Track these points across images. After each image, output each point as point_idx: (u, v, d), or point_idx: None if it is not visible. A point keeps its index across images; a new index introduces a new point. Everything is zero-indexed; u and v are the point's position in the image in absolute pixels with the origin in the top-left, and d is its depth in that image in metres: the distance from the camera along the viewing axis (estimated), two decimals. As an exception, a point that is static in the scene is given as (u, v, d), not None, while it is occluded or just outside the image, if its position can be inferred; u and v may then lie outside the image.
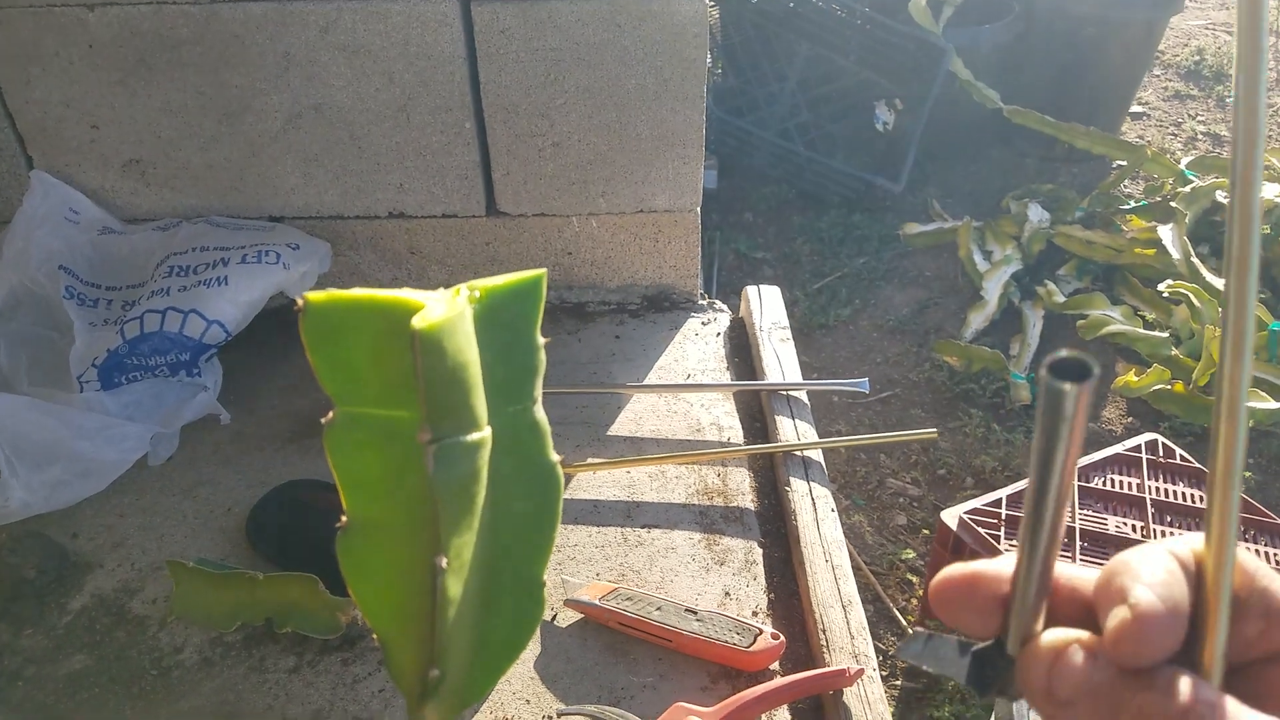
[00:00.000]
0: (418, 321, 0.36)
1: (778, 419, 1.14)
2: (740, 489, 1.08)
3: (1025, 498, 0.29)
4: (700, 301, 1.40)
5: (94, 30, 1.13)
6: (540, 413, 0.45)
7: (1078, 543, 1.53)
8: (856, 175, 2.84)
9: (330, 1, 1.12)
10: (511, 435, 0.43)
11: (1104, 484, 1.74)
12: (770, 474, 1.11)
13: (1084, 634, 0.29)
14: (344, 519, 0.43)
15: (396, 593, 0.44)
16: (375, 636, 0.44)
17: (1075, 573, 0.31)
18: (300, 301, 0.39)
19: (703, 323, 1.36)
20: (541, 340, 0.45)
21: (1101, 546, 1.51)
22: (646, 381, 1.24)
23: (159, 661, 0.92)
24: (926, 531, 1.87)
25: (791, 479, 1.05)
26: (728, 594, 0.95)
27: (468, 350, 0.39)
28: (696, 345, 1.32)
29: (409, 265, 1.33)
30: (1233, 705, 0.27)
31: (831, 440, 1.08)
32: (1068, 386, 0.27)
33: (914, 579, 1.77)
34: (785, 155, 2.91)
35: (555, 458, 0.46)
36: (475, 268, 1.34)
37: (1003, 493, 1.68)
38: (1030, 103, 2.87)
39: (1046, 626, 0.30)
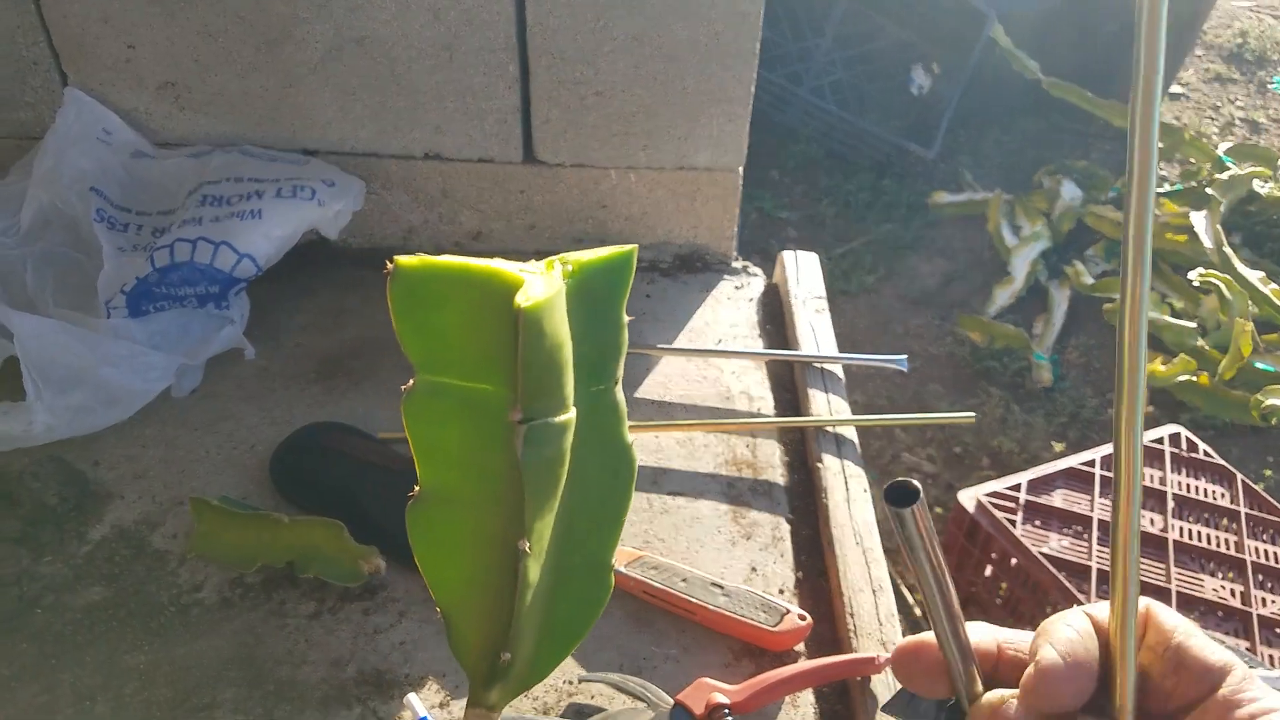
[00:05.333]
0: (522, 300, 0.34)
1: (810, 392, 1.12)
2: (770, 462, 1.06)
3: (924, 591, 0.34)
4: (734, 264, 1.38)
5: (134, -56, 1.09)
6: (620, 393, 0.43)
7: (1094, 534, 1.52)
8: (888, 139, 2.80)
9: (379, -70, 1.08)
10: (591, 415, 0.42)
11: (1122, 473, 1.72)
12: (801, 448, 1.09)
13: (1017, 691, 0.35)
14: (416, 489, 0.42)
15: (465, 568, 0.43)
16: (439, 610, 0.43)
17: (1019, 640, 0.37)
18: (390, 265, 0.37)
19: (735, 286, 1.34)
20: (626, 318, 0.43)
21: (1117, 538, 1.50)
22: (676, 344, 1.22)
23: (178, 599, 0.91)
24: (940, 510, 1.86)
25: (824, 455, 1.03)
26: (754, 569, 0.94)
27: (563, 329, 0.37)
28: (728, 309, 1.29)
29: (441, 208, 1.31)
30: None
31: (866, 418, 1.07)
32: (905, 511, 0.32)
33: (923, 555, 1.77)
34: (816, 113, 2.85)
35: (630, 439, 0.44)
36: (508, 215, 1.32)
37: (1022, 477, 1.67)
38: (1068, 75, 2.82)
39: (999, 685, 0.36)
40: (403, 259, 0.37)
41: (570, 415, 0.39)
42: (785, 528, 0.99)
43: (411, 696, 0.84)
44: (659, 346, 1.19)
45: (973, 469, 1.98)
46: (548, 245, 1.34)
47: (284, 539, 0.92)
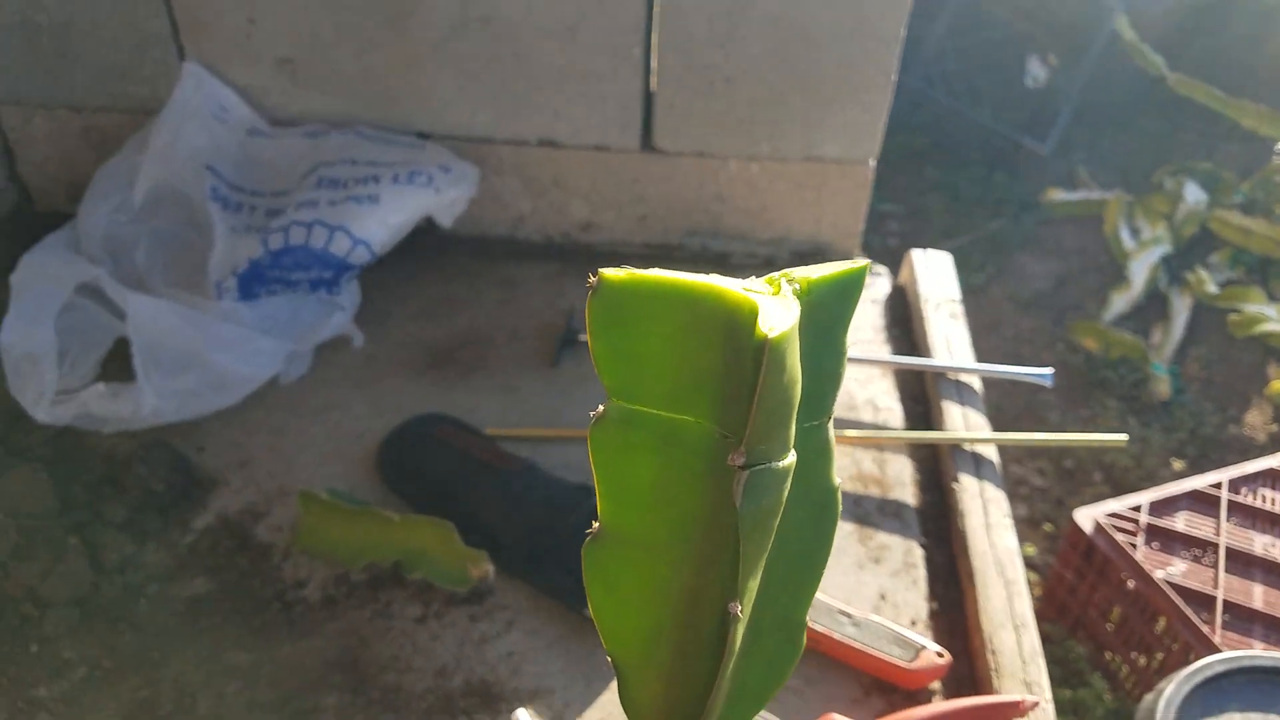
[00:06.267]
0: (768, 329, 0.29)
1: (944, 404, 1.05)
2: (899, 479, 0.99)
3: None
4: (856, 263, 1.30)
5: (257, -85, 1.06)
6: (832, 430, 0.37)
7: (1222, 561, 1.42)
8: (1001, 132, 2.68)
9: (507, -97, 1.04)
10: (801, 455, 0.36)
11: (1254, 499, 1.61)
12: (933, 466, 1.02)
13: None
14: (596, 525, 0.36)
15: (647, 619, 0.37)
16: (610, 659, 0.38)
17: None
18: (593, 278, 0.31)
19: (858, 287, 1.26)
20: (848, 344, 0.37)
21: (1246, 567, 1.40)
22: (796, 345, 1.15)
23: (281, 595, 0.88)
24: (1049, 526, 1.77)
25: (960, 475, 0.96)
26: (883, 597, 0.88)
27: (798, 363, 0.31)
28: (850, 311, 1.22)
29: (552, 196, 1.26)
30: None
31: (1008, 436, 0.99)
32: None
33: (1032, 576, 1.68)
34: (925, 102, 2.74)
35: (837, 482, 0.38)
36: (619, 205, 1.27)
37: (1143, 498, 1.57)
38: (1194, 72, 2.66)
39: None
40: (608, 272, 0.32)
41: (792, 459, 0.33)
42: (918, 553, 0.92)
43: (521, 712, 0.79)
44: (778, 349, 1.13)
45: (1084, 484, 1.88)
46: (659, 238, 1.29)
47: (392, 537, 0.89)
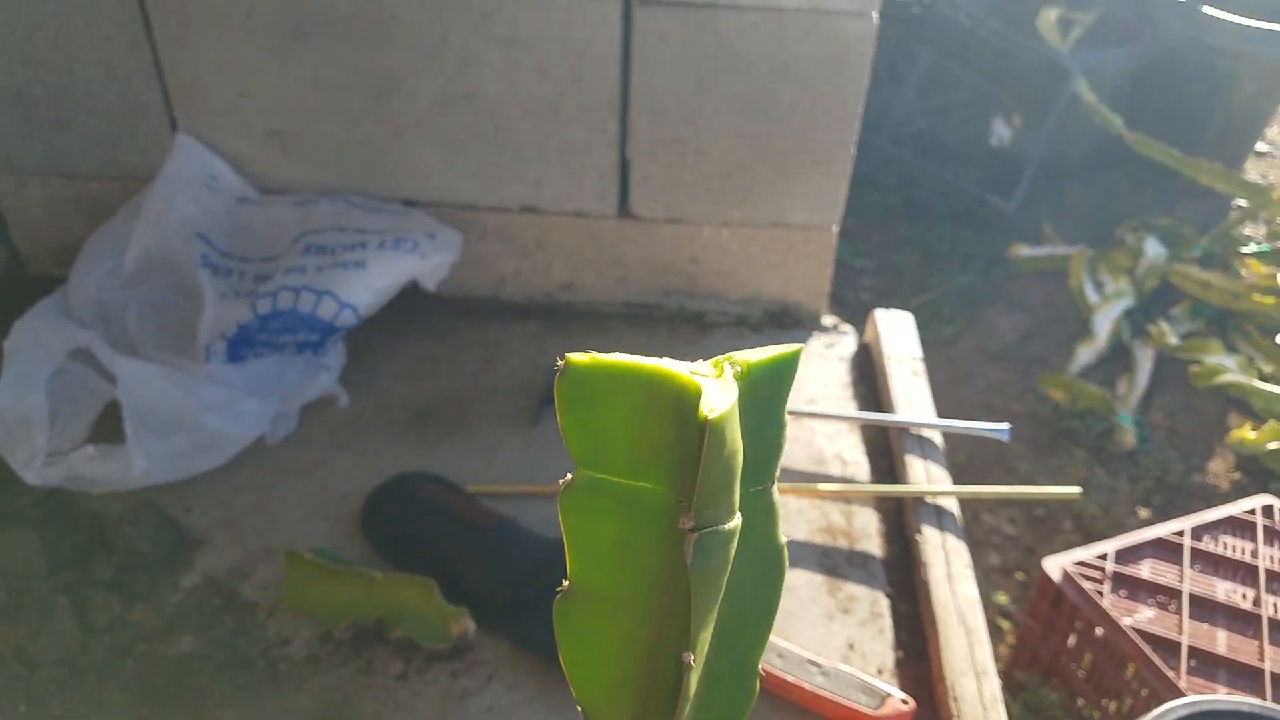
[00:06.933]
0: (709, 411, 0.33)
1: (907, 459, 1.09)
2: (866, 531, 1.03)
3: None
4: (824, 322, 1.35)
5: (255, -6, 1.11)
6: (776, 494, 0.42)
7: (1185, 608, 1.46)
8: (968, 189, 2.76)
9: (490, -13, 1.10)
10: (748, 516, 0.40)
11: (1215, 547, 1.66)
12: (898, 518, 1.06)
13: None
14: (566, 583, 0.40)
15: (612, 670, 0.41)
16: (579, 708, 0.42)
17: None
18: (560, 362, 0.36)
19: (826, 345, 1.31)
20: (788, 417, 0.41)
21: (1210, 613, 1.44)
22: (767, 403, 1.19)
23: (266, 653, 0.90)
24: (1021, 575, 1.81)
25: (923, 527, 1.00)
26: (851, 647, 0.91)
27: (739, 437, 0.36)
28: (819, 367, 1.27)
29: (535, 259, 1.30)
30: None
31: (967, 489, 1.03)
32: None
33: (1004, 624, 1.71)
34: (896, 162, 2.83)
35: (784, 540, 0.43)
36: (600, 267, 1.31)
37: (1109, 545, 1.61)
38: (1152, 130, 2.76)
39: None
40: (574, 356, 0.36)
41: (737, 521, 0.37)
42: (884, 603, 0.96)
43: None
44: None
45: (1055, 532, 1.92)
46: (636, 297, 1.34)
47: (375, 595, 0.91)
